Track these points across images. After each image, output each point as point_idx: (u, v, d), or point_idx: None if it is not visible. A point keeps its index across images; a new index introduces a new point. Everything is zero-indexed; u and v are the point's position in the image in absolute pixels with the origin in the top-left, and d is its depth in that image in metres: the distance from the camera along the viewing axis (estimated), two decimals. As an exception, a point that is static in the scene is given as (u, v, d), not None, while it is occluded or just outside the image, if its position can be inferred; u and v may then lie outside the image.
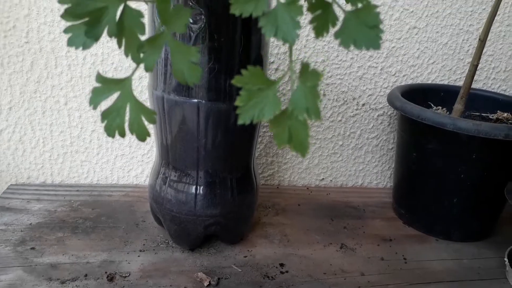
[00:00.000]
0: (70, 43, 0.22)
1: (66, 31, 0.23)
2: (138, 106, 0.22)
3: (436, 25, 0.58)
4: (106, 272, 0.42)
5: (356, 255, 0.48)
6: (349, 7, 0.23)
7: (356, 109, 0.61)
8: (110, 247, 0.46)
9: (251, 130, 0.42)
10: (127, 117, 0.22)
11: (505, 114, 0.56)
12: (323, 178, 0.65)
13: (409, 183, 0.54)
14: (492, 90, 0.62)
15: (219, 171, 0.41)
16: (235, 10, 0.21)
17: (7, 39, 0.52)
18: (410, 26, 0.58)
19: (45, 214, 0.51)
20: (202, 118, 0.39)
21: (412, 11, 0.57)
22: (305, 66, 0.21)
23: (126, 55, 0.22)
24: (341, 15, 0.23)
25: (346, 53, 0.58)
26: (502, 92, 0.63)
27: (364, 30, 0.22)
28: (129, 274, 0.42)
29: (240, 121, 0.21)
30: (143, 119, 0.22)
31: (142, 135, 0.22)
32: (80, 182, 0.59)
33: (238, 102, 0.21)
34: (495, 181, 0.48)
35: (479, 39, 0.47)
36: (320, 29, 0.22)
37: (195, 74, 0.21)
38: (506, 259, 0.46)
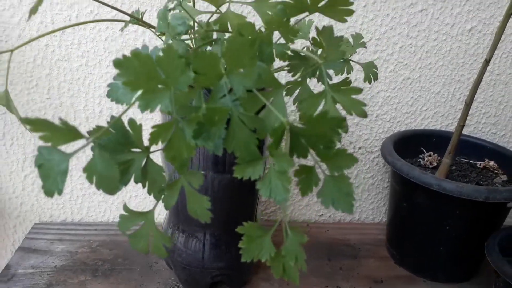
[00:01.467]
0: (98, 187, 0.26)
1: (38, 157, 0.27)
2: (159, 235, 0.27)
3: (429, 75, 0.62)
4: (124, 318, 0.47)
5: (349, 298, 0.53)
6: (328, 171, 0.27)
7: (353, 152, 0.65)
8: (127, 291, 0.51)
9: (253, 196, 0.46)
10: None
11: (491, 163, 0.59)
12: (322, 214, 0.69)
13: (400, 228, 0.58)
14: (481, 137, 0.66)
15: (224, 232, 0.46)
16: (237, 174, 0.25)
17: (30, 95, 0.57)
18: (404, 77, 0.62)
19: (68, 256, 0.56)
20: (209, 187, 0.43)
21: (406, 64, 0.61)
22: (292, 228, 0.26)
23: (149, 194, 0.26)
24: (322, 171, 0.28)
25: (343, 102, 0.61)
26: (492, 135, 0.67)
27: (340, 194, 0.26)
28: (145, 320, 0.47)
29: (242, 259, 0.26)
30: (163, 244, 0.27)
31: (162, 255, 0.27)
32: (98, 220, 0.65)
33: (241, 244, 0.26)
34: (479, 232, 0.52)
35: (465, 103, 0.51)
36: (305, 190, 0.27)
37: (206, 216, 0.26)
38: (485, 305, 0.51)
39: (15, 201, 0.62)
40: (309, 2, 0.26)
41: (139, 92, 0.24)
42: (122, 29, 0.41)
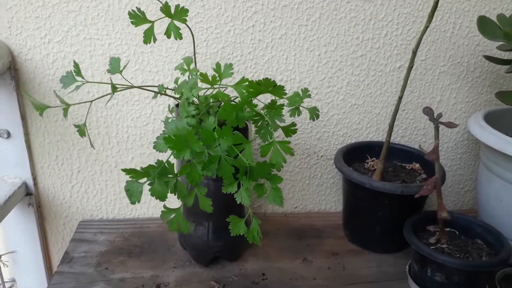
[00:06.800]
0: (156, 198, 0.47)
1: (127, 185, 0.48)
2: (184, 221, 0.48)
3: (371, 101, 0.83)
4: (154, 283, 0.68)
5: (312, 266, 0.74)
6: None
7: (317, 159, 0.86)
8: (154, 265, 0.72)
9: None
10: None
11: (417, 165, 0.81)
12: (296, 206, 0.90)
13: (350, 215, 0.80)
14: (414, 145, 0.87)
15: (222, 221, 0.67)
16: (225, 190, 0.46)
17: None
18: (351, 103, 0.83)
19: (108, 244, 0.77)
20: (214, 193, 0.64)
21: (352, 94, 0.82)
22: (254, 217, 0.47)
23: (178, 199, 0.47)
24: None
25: (307, 123, 0.83)
26: (422, 143, 0.89)
27: (276, 197, 0.47)
28: (169, 284, 0.68)
29: (232, 234, 0.48)
30: (186, 224, 0.48)
31: (186, 231, 0.48)
32: (127, 217, 0.86)
33: (230, 226, 0.48)
34: (403, 216, 0.73)
35: (389, 125, 0.72)
36: (260, 194, 0.48)
37: (209, 209, 0.47)
38: (407, 267, 0.72)
39: (65, 205, 0.83)
40: (262, 88, 0.47)
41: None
42: (153, 97, 0.62)
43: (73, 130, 0.78)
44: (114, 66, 0.53)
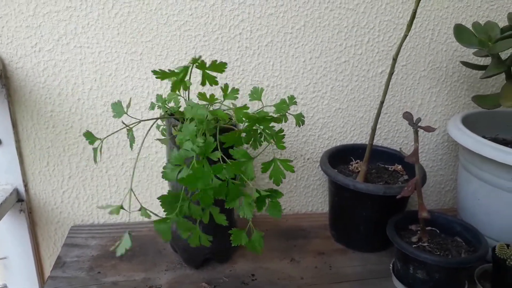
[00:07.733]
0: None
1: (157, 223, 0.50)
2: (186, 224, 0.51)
3: (354, 105, 0.86)
4: (147, 285, 0.70)
5: (300, 265, 0.76)
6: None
7: (303, 162, 0.89)
8: (146, 268, 0.74)
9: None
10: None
11: (399, 167, 0.84)
12: (284, 208, 0.93)
13: (335, 215, 0.82)
14: (396, 147, 0.90)
15: (213, 225, 0.69)
16: (227, 206, 0.49)
17: (67, 134, 0.79)
18: (336, 108, 0.86)
19: (100, 248, 0.79)
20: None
21: (336, 99, 0.85)
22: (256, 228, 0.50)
23: (195, 218, 0.50)
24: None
25: (294, 127, 0.85)
26: (404, 145, 0.92)
27: (275, 210, 0.50)
28: (161, 286, 0.70)
29: (233, 244, 0.50)
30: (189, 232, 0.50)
31: (185, 234, 0.51)
32: (117, 222, 0.87)
33: (232, 238, 0.50)
34: (385, 216, 0.76)
35: (371, 128, 0.75)
36: (260, 208, 0.51)
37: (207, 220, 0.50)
38: (391, 265, 0.75)
39: (56, 211, 0.84)
40: (258, 117, 0.50)
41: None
42: (150, 109, 0.65)
43: (63, 137, 0.79)
44: (118, 110, 0.55)
